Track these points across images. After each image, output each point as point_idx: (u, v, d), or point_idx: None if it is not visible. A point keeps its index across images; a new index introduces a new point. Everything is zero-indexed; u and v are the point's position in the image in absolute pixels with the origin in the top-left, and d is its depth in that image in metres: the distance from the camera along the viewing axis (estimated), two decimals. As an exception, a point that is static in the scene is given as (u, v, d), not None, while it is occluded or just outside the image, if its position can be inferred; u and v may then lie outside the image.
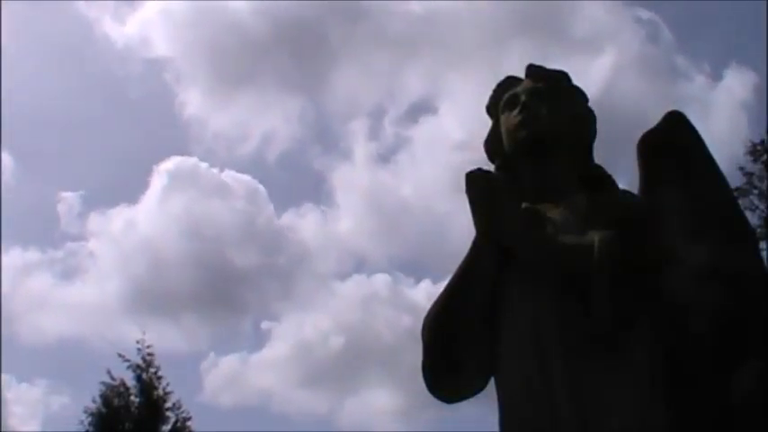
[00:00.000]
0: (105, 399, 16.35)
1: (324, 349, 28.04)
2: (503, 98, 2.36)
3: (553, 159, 2.23)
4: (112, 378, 16.50)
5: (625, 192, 2.21)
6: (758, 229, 14.61)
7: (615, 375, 1.89)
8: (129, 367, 16.58)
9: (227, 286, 27.87)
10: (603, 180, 2.28)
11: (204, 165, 31.61)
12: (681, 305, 1.91)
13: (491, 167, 2.33)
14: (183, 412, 16.67)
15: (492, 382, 2.12)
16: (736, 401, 1.85)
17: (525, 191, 2.23)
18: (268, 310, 36.51)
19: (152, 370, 16.74)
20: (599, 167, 2.32)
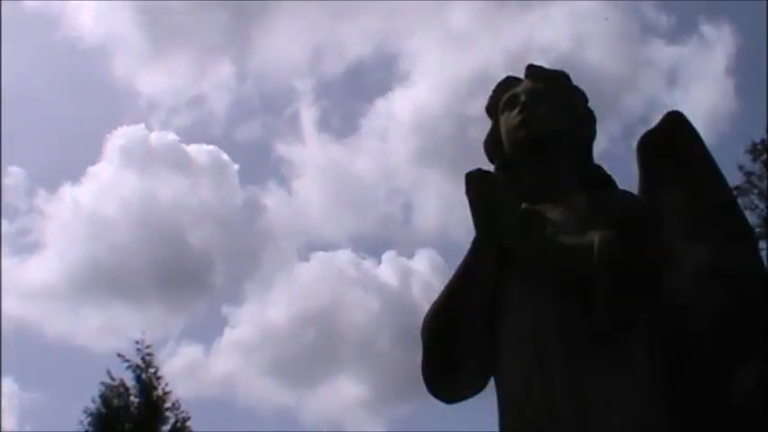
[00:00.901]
0: (105, 399, 16.34)
1: (288, 334, 26.67)
2: (502, 98, 2.36)
3: (553, 159, 2.23)
4: (112, 378, 16.50)
5: (625, 192, 2.21)
6: (758, 229, 14.61)
7: (615, 375, 1.89)
8: (128, 367, 16.60)
9: (183, 266, 26.32)
10: (603, 180, 2.28)
11: (154, 135, 29.89)
12: (681, 305, 1.92)
13: (491, 168, 2.33)
14: (182, 412, 16.68)
15: (492, 382, 2.12)
16: (736, 401, 1.85)
17: (525, 191, 2.23)
18: (227, 293, 34.74)
19: (151, 370, 16.74)
20: (599, 167, 2.32)
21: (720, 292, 1.89)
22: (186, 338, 34.37)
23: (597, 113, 2.37)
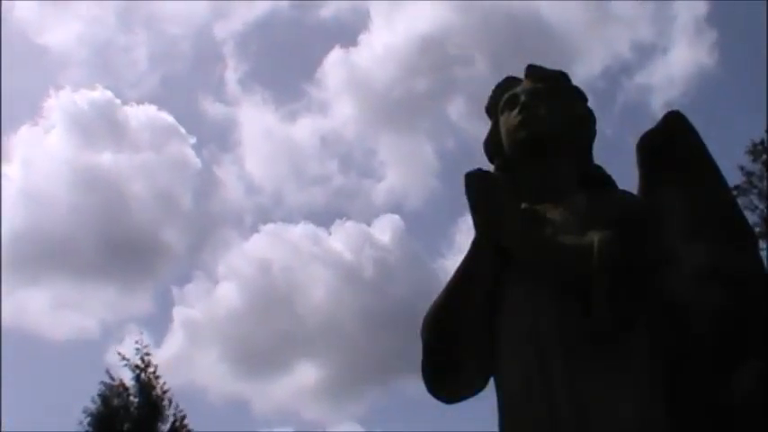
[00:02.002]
0: (104, 399, 16.35)
1: (241, 315, 25.18)
2: (502, 98, 2.36)
3: (553, 160, 2.23)
4: (111, 378, 16.53)
5: (625, 192, 2.21)
6: (758, 229, 14.62)
7: (615, 375, 1.89)
8: (126, 365, 16.61)
9: (127, 243, 24.65)
10: (603, 180, 2.28)
11: (83, 96, 28.51)
12: (681, 305, 1.92)
13: (491, 168, 2.33)
14: (181, 411, 16.69)
15: (491, 382, 2.12)
16: (736, 401, 1.85)
17: (525, 191, 2.23)
18: (176, 272, 32.69)
19: (150, 370, 16.76)
20: (599, 168, 2.32)
21: (720, 292, 1.89)
22: (134, 320, 32.93)
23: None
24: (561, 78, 2.36)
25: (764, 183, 15.79)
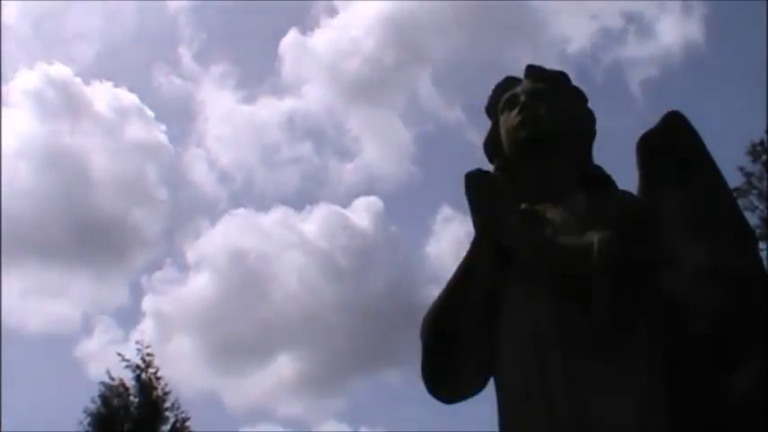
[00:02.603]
0: (104, 399, 16.35)
1: (214, 306, 24.24)
2: (502, 98, 2.36)
3: (553, 160, 2.23)
4: (111, 378, 16.52)
5: (625, 192, 2.21)
6: (758, 230, 14.62)
7: (615, 376, 1.89)
8: (127, 367, 16.61)
9: (95, 228, 24.06)
10: (603, 180, 2.28)
11: (51, 75, 27.88)
12: (681, 305, 1.92)
13: (491, 168, 2.33)
14: (182, 412, 16.69)
15: (491, 382, 2.12)
16: (736, 401, 1.85)
17: (524, 191, 2.23)
18: (146, 259, 32.45)
19: (151, 370, 16.75)
20: (598, 168, 2.32)
21: (720, 292, 1.89)
22: (103, 311, 32.03)
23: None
24: (561, 78, 2.37)
25: (764, 183, 15.79)
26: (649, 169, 2.13)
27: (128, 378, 16.59)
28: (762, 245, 13.78)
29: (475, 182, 2.08)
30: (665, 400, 1.88)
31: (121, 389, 16.49)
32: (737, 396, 1.85)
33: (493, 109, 2.41)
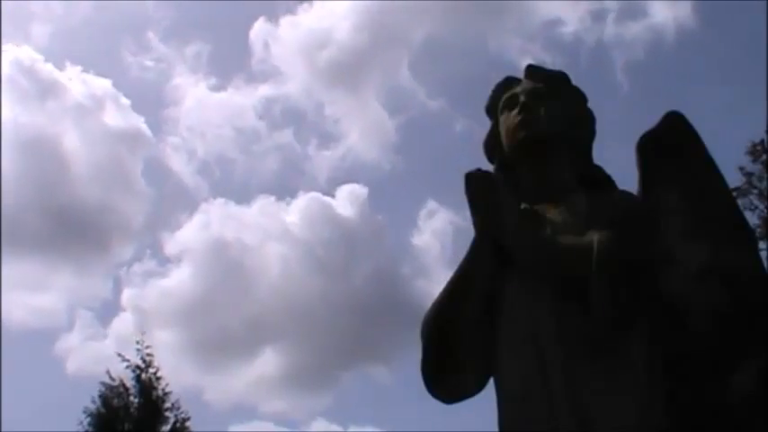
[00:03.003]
0: (104, 399, 16.35)
1: (196, 299, 23.47)
2: (502, 98, 2.36)
3: (552, 160, 2.23)
4: (112, 378, 16.52)
5: (624, 192, 2.21)
6: (757, 230, 14.61)
7: (614, 376, 1.89)
8: (128, 367, 16.61)
9: (72, 215, 23.50)
10: (603, 180, 2.28)
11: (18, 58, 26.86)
12: (680, 305, 1.92)
13: (490, 168, 2.33)
14: (182, 412, 16.69)
15: (491, 382, 2.12)
16: (735, 401, 1.85)
17: (524, 191, 2.24)
18: (125, 251, 31.04)
19: (151, 370, 16.76)
20: (598, 168, 2.32)
21: (720, 292, 1.89)
22: (81, 301, 31.24)
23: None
24: (561, 79, 2.37)
25: (764, 183, 15.78)
26: (649, 169, 2.13)
27: (128, 378, 16.61)
28: (762, 245, 13.78)
29: (475, 182, 2.08)
30: (664, 400, 1.88)
31: (122, 389, 16.49)
32: (737, 396, 1.85)
33: (493, 109, 2.41)
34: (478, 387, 2.15)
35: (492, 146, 2.39)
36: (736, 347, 1.88)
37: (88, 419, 16.19)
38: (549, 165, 2.23)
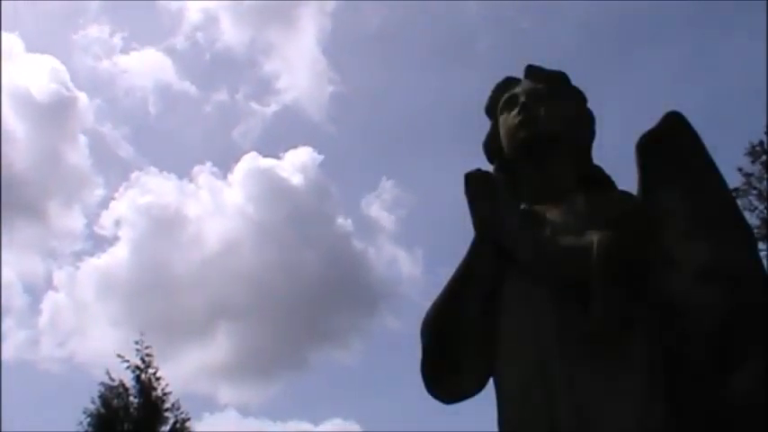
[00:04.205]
0: (104, 399, 16.35)
1: (132, 280, 22.00)
2: (501, 99, 2.36)
3: (552, 160, 2.24)
4: (111, 379, 16.52)
5: (624, 192, 2.21)
6: (757, 230, 14.61)
7: (614, 376, 1.89)
8: (127, 368, 16.61)
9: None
10: (603, 181, 2.28)
11: None
12: (680, 306, 1.92)
13: (490, 168, 2.34)
14: (182, 413, 16.69)
15: (491, 382, 2.12)
16: (736, 401, 1.85)
17: (524, 192, 2.24)
18: (56, 229, 28.75)
19: (151, 371, 16.75)
20: (598, 168, 2.32)
21: (720, 292, 1.89)
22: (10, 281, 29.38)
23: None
24: (561, 79, 2.37)
25: (764, 184, 15.79)
26: (649, 169, 2.13)
27: (127, 378, 16.61)
28: (761, 245, 13.78)
29: (474, 182, 2.08)
30: (664, 400, 1.88)
31: (121, 389, 16.49)
32: (737, 396, 1.85)
33: (492, 109, 2.41)
34: (478, 387, 2.15)
35: (492, 146, 2.39)
36: (736, 347, 1.88)
37: (88, 420, 16.20)
38: (548, 165, 2.23)
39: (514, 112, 2.28)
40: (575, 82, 2.38)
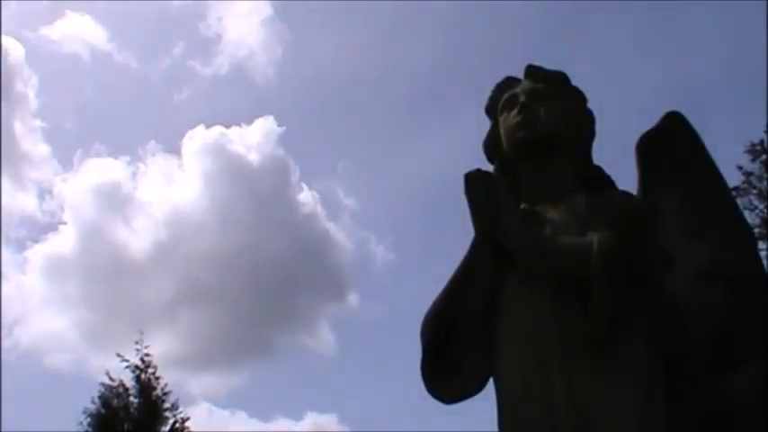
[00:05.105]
0: (104, 399, 16.34)
1: (79, 268, 21.26)
2: (501, 99, 2.36)
3: (552, 160, 2.23)
4: (111, 379, 16.51)
5: (624, 192, 2.21)
6: (757, 230, 14.61)
7: (614, 376, 1.89)
8: (127, 368, 16.60)
9: None
10: (602, 181, 2.28)
11: None
12: (680, 305, 1.92)
13: (490, 168, 2.33)
14: (181, 413, 16.69)
15: (491, 382, 2.12)
16: (735, 401, 1.85)
17: (524, 191, 2.24)
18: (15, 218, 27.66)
19: (150, 370, 16.74)
20: (598, 168, 2.32)
21: (720, 292, 1.89)
22: None
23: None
24: (561, 79, 2.37)
25: (764, 183, 15.78)
26: (649, 169, 2.13)
27: (127, 378, 16.60)
28: (761, 245, 13.78)
29: (474, 182, 2.08)
30: (664, 400, 1.88)
31: (121, 389, 16.49)
32: (737, 396, 1.85)
33: (492, 109, 2.41)
34: (478, 387, 2.15)
35: (492, 146, 2.39)
36: (736, 347, 1.88)
37: (88, 420, 16.19)
38: (548, 165, 2.23)
39: (514, 111, 2.28)
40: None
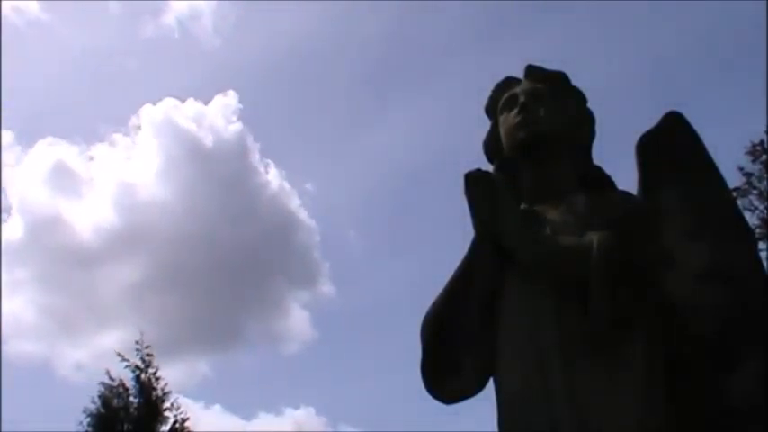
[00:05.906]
0: (104, 399, 16.35)
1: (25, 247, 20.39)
2: (501, 99, 2.36)
3: (552, 160, 2.23)
4: (111, 378, 16.51)
5: (624, 192, 2.21)
6: (757, 230, 14.61)
7: (614, 375, 1.89)
8: (127, 367, 16.61)
9: None
10: (602, 181, 2.28)
11: None
12: (680, 305, 1.92)
13: (490, 168, 2.33)
14: (181, 412, 16.69)
15: (491, 382, 2.12)
16: (735, 402, 1.85)
17: (524, 192, 2.24)
18: None
19: (151, 370, 16.75)
20: (598, 168, 2.32)
21: (720, 292, 1.89)
22: None
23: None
24: (561, 79, 2.36)
25: (764, 183, 15.78)
26: (649, 169, 2.13)
27: (127, 378, 16.61)
28: (761, 245, 13.78)
29: (474, 182, 2.08)
30: (664, 400, 1.88)
31: (121, 389, 16.49)
32: (737, 396, 1.85)
33: (492, 109, 2.41)
34: (478, 387, 2.15)
35: (492, 146, 2.39)
36: (736, 347, 1.87)
37: (88, 420, 16.19)
38: (548, 165, 2.23)
39: (514, 112, 2.28)
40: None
